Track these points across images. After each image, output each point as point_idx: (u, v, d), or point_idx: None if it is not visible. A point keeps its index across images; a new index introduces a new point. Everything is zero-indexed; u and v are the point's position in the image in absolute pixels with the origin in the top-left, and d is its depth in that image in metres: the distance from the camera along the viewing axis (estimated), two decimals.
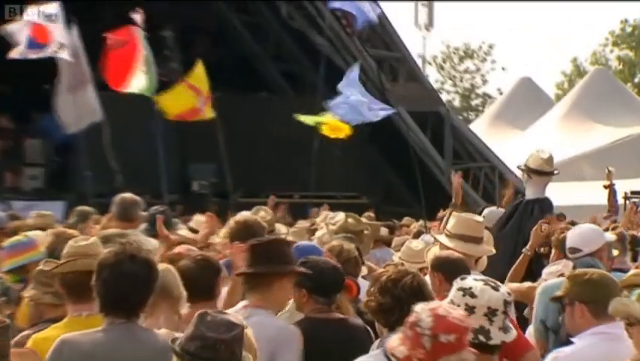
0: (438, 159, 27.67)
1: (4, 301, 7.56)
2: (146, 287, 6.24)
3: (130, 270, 6.10)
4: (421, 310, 4.77)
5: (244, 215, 11.11)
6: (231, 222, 10.37)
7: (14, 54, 21.39)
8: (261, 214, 12.31)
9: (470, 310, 5.29)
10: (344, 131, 20.49)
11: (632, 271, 7.73)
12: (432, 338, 4.63)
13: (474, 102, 69.11)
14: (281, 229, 12.58)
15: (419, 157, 26.32)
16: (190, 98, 21.82)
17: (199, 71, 21.63)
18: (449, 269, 7.61)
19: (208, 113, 22.04)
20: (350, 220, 11.17)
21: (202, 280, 7.29)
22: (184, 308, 6.92)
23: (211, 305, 6.94)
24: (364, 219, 13.46)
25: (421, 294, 6.08)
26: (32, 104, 27.37)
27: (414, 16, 42.37)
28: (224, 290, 7.96)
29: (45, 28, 21.63)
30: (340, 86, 21.86)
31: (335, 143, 23.60)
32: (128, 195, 13.21)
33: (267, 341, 6.54)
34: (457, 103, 69.81)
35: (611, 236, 10.01)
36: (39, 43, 21.57)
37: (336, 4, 24.04)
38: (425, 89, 31.17)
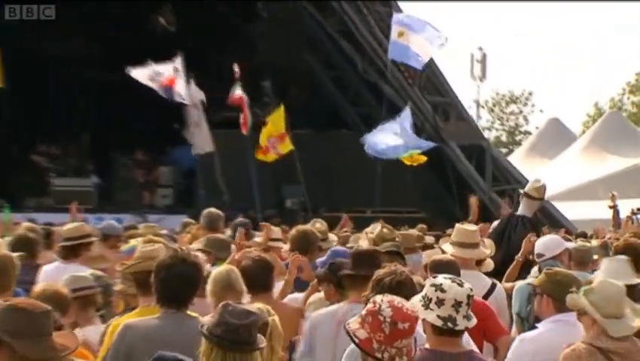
0: (480, 182, 28.54)
1: (104, 294, 8.17)
2: (194, 284, 6.91)
3: (181, 270, 6.79)
4: (380, 301, 5.23)
5: (303, 226, 11.93)
6: (293, 231, 11.33)
7: (148, 82, 23.70)
8: (317, 226, 12.99)
9: (440, 302, 5.72)
10: (418, 160, 21.80)
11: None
12: (391, 324, 5.08)
13: (518, 138, 71.72)
14: (333, 237, 12.92)
15: (466, 180, 28.40)
16: (264, 136, 23.61)
17: (279, 113, 23.40)
18: (440, 270, 8.01)
19: (283, 148, 23.52)
20: (385, 230, 11.70)
21: (259, 276, 7.99)
22: (246, 299, 7.50)
23: (267, 297, 7.79)
24: (417, 231, 14.95)
25: (399, 290, 6.40)
26: (163, 140, 29.15)
27: (470, 70, 44.32)
28: (279, 285, 8.82)
29: (172, 78, 23.63)
30: (385, 125, 23.70)
31: (398, 168, 24.83)
32: (214, 210, 14.17)
33: None
34: (504, 138, 73.36)
35: (571, 244, 11.09)
36: (168, 89, 23.63)
37: (396, 54, 24.94)
38: (470, 127, 31.89)
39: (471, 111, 51.08)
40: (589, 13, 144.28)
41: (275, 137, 23.20)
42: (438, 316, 5.60)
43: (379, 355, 5.04)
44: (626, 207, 18.82)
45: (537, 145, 47.89)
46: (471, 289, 5.88)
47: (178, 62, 23.79)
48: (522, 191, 14.55)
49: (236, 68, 23.64)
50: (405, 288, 6.42)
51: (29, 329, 5.09)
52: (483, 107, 65.73)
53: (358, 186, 26.75)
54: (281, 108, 23.23)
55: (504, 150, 56.61)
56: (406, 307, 5.23)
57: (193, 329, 5.68)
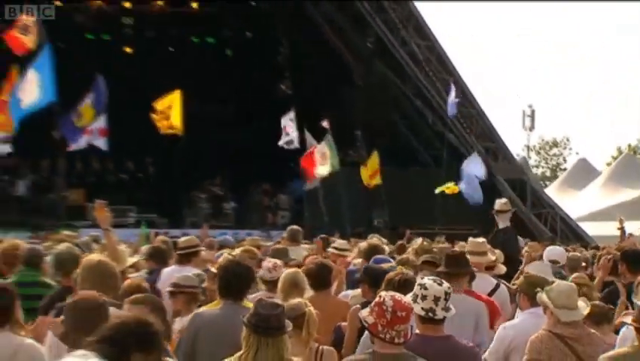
0: (522, 207, 29.10)
1: (201, 292, 8.39)
2: (246, 281, 7.21)
3: (235, 271, 7.19)
4: (384, 295, 5.48)
5: (370, 240, 12.66)
6: (364, 243, 11.93)
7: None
8: (374, 239, 13.48)
9: (424, 297, 5.96)
10: (454, 190, 22.72)
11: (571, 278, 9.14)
12: (392, 313, 5.31)
13: (559, 174, 73.41)
14: (386, 248, 12.50)
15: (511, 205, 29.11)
16: (365, 173, 24.69)
17: (374, 158, 24.58)
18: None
19: (376, 180, 24.78)
20: (424, 243, 12.05)
21: (319, 277, 8.07)
22: (308, 295, 7.68)
23: (326, 293, 8.03)
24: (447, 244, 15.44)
25: (404, 288, 6.62)
26: (283, 175, 30.16)
27: (522, 122, 49.04)
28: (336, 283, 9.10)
29: (288, 128, 24.74)
30: (464, 166, 24.49)
31: (458, 196, 25.09)
32: (295, 227, 14.87)
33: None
34: (548, 174, 76.23)
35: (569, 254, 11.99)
36: (286, 136, 24.44)
37: (453, 111, 25.96)
38: (515, 165, 32.88)
39: (523, 153, 56.34)
40: (590, 13, 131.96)
41: (372, 172, 24.59)
42: (422, 308, 5.94)
43: (382, 335, 5.34)
44: (634, 227, 20.51)
45: (569, 179, 48.66)
46: (449, 287, 6.15)
47: (292, 115, 25.17)
48: (493, 211, 14.61)
49: (325, 123, 24.36)
50: (410, 285, 6.58)
51: None
52: (532, 149, 69.71)
53: (427, 209, 27.08)
54: (376, 153, 24.73)
55: (548, 183, 59.11)
56: (403, 300, 5.56)
57: None
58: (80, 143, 22.82)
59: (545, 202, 31.60)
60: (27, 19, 19.29)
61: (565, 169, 73.42)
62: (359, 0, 29.45)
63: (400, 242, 15.00)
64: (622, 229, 17.34)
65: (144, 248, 12.01)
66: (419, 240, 13.00)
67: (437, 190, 24.56)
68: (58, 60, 23.11)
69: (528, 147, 61.04)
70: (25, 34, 18.65)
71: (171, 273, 9.41)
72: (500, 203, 14.70)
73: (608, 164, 64.51)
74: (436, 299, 5.96)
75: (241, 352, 5.25)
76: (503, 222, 14.24)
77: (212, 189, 32.07)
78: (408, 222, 24.81)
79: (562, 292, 6.67)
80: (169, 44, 35.16)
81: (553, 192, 40.97)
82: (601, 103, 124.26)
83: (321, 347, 6.39)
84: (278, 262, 9.43)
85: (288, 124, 25.18)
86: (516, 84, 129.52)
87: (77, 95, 22.60)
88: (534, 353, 6.62)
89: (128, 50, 34.31)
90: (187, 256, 10.43)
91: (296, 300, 6.61)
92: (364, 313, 5.46)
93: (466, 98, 29.90)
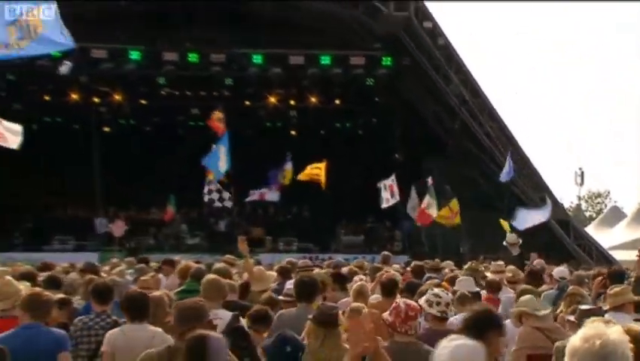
0: (566, 239, 29.03)
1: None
2: (314, 289, 6.94)
3: (307, 282, 7.03)
4: (399, 301, 5.38)
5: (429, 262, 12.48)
6: (434, 263, 11.79)
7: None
8: (447, 262, 13.19)
9: (438, 303, 5.88)
10: (505, 225, 20.43)
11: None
12: (405, 313, 5.20)
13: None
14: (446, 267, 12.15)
15: (559, 238, 28.58)
16: (447, 212, 23.22)
17: (455, 202, 23.27)
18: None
19: (457, 220, 23.61)
20: (473, 264, 11.62)
21: (387, 287, 7.55)
22: (373, 300, 7.43)
23: (390, 300, 6.86)
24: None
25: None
26: (397, 217, 28.84)
27: (574, 179, 53.65)
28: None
29: (392, 185, 23.49)
30: (529, 210, 23.38)
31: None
32: (386, 253, 14.57)
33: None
34: (594, 216, 73.59)
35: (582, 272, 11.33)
36: (392, 192, 23.36)
37: (507, 178, 23.74)
38: (562, 209, 32.23)
39: (576, 201, 62.46)
40: (589, 11, 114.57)
41: (454, 212, 23.41)
42: (438, 310, 5.87)
43: (399, 329, 5.17)
44: None
45: (604, 220, 47.19)
46: (451, 297, 6.21)
47: (393, 176, 24.06)
48: (506, 243, 14.38)
49: (430, 180, 23.39)
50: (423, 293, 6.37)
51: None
52: (581, 198, 72.06)
53: (498, 241, 23.78)
54: (456, 200, 23.61)
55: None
56: (413, 304, 5.37)
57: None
58: (271, 195, 24.31)
59: (583, 236, 30.93)
60: (219, 113, 19.61)
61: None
62: (449, 95, 28.79)
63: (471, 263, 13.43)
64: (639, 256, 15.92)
65: (276, 267, 11.53)
66: (470, 263, 12.54)
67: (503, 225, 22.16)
68: (251, 139, 24.98)
69: (579, 197, 66.09)
70: (219, 122, 19.29)
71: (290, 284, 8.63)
72: (510, 237, 14.95)
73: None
74: (446, 304, 6.05)
75: (311, 341, 5.33)
76: (514, 251, 14.44)
77: (347, 226, 32.26)
78: (484, 251, 24.11)
79: (525, 301, 6.65)
80: (321, 128, 35.45)
81: (592, 229, 39.81)
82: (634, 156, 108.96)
83: None
84: (362, 276, 9.64)
85: (392, 182, 24.10)
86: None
87: (259, 165, 24.96)
88: (521, 343, 6.44)
89: (293, 132, 35.09)
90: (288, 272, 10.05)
91: (356, 303, 6.75)
92: (386, 315, 5.35)
93: (524, 162, 28.99)
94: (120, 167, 30.75)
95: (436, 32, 28.43)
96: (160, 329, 5.84)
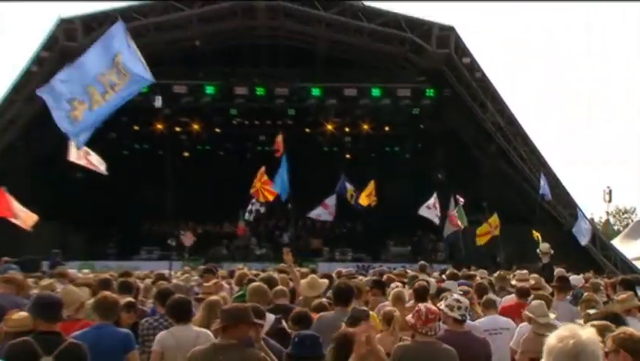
0: (593, 249, 27.86)
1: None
2: (350, 294, 6.70)
3: (343, 288, 6.79)
4: (421, 305, 5.24)
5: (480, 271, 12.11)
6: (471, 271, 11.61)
7: None
8: (480, 271, 12.99)
9: (459, 308, 5.65)
10: (537, 235, 19.45)
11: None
12: (425, 315, 5.07)
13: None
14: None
15: (586, 249, 26.50)
16: (486, 228, 22.54)
17: (494, 218, 22.31)
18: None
19: (497, 232, 22.33)
20: (501, 273, 11.29)
21: (420, 293, 7.35)
22: (409, 304, 7.12)
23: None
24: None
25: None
26: (439, 230, 26.05)
27: (603, 197, 52.81)
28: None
29: (453, 216, 22.25)
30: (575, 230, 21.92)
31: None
32: (423, 262, 13.98)
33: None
34: (621, 230, 71.36)
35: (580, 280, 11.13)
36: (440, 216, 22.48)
37: (546, 192, 22.88)
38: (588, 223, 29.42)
39: (605, 217, 62.05)
40: (539, 10, 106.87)
41: (493, 226, 22.64)
42: (458, 314, 5.64)
43: (420, 330, 5.02)
44: None
45: (629, 234, 42.50)
46: (467, 302, 5.91)
47: (435, 195, 23.04)
48: (539, 251, 13.93)
49: (460, 198, 22.64)
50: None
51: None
52: (609, 213, 69.29)
53: (528, 251, 21.90)
54: (496, 215, 22.67)
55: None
56: (433, 308, 5.26)
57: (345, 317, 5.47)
58: (325, 216, 23.80)
59: (608, 247, 30.29)
60: (280, 136, 19.31)
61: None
62: (486, 122, 28.39)
63: (500, 272, 12.98)
64: None
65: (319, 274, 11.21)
66: (524, 271, 11.82)
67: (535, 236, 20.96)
68: (310, 162, 25.04)
69: (607, 213, 64.77)
70: (281, 143, 18.96)
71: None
72: (543, 246, 14.31)
73: None
74: (464, 308, 5.84)
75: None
76: (545, 259, 14.07)
77: (396, 238, 31.85)
78: (519, 260, 22.68)
79: (538, 307, 6.37)
80: (372, 152, 35.10)
81: (618, 242, 37.48)
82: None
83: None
84: (399, 283, 9.43)
85: (434, 200, 23.18)
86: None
87: (318, 184, 24.78)
88: (524, 347, 6.24)
89: (348, 156, 34.99)
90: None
91: (390, 308, 6.57)
92: (409, 318, 5.24)
93: (555, 181, 27.96)
94: (197, 187, 30.85)
95: (474, 67, 28.05)
96: (204, 329, 5.72)
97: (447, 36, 27.24)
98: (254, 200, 20.79)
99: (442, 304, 5.87)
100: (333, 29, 27.41)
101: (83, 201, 28.39)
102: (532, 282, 9.41)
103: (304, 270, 13.27)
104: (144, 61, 7.78)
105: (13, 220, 13.91)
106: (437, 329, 5.27)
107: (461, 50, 27.68)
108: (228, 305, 5.26)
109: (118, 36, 7.93)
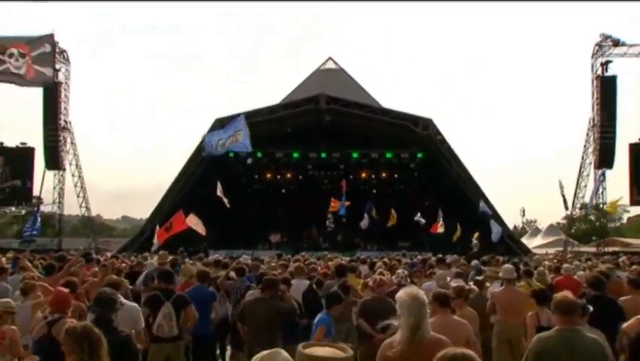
0: (510, 243, 31.44)
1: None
2: (343, 270, 7.34)
3: (345, 266, 7.25)
4: (377, 277, 5.32)
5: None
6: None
7: None
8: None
9: (397, 276, 5.68)
10: None
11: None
12: (378, 282, 5.46)
13: None
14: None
15: (506, 242, 30.98)
16: (459, 233, 23.86)
17: (477, 234, 23.60)
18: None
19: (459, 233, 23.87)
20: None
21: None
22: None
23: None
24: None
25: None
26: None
27: (520, 213, 51.92)
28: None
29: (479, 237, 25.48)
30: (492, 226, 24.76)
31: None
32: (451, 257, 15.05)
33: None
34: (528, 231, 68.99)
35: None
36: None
37: (486, 212, 25.34)
38: (506, 226, 35.06)
39: (520, 224, 58.60)
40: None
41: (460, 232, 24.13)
42: (396, 280, 5.82)
43: (375, 291, 5.16)
44: None
45: (530, 235, 50.40)
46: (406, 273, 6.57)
47: (441, 214, 26.90)
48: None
49: (441, 213, 25.45)
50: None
51: None
52: (523, 223, 71.51)
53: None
54: (478, 232, 23.61)
55: None
56: (384, 279, 5.72)
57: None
58: (363, 224, 30.42)
59: (519, 241, 34.57)
60: (343, 183, 22.38)
61: None
62: (452, 172, 33.60)
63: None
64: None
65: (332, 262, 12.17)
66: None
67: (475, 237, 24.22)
68: (355, 194, 32.28)
69: (522, 222, 67.23)
70: (343, 187, 21.35)
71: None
72: (475, 242, 15.23)
73: None
74: (403, 278, 6.50)
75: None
76: (476, 248, 14.47)
77: (400, 240, 36.93)
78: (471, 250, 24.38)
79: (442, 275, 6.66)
80: (388, 188, 41.12)
81: (525, 239, 43.23)
82: None
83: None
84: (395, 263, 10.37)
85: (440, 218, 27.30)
86: None
87: (360, 206, 31.66)
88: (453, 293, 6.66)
89: (374, 191, 40.79)
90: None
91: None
92: (370, 282, 5.67)
93: (489, 204, 31.88)
94: (290, 210, 40.64)
95: (444, 142, 35.87)
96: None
97: (428, 123, 35.94)
98: (329, 215, 29.37)
99: (394, 276, 7.44)
100: (364, 120, 35.92)
101: (224, 219, 33.22)
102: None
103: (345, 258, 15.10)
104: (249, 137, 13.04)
105: (193, 227, 16.55)
106: (384, 291, 6.45)
107: (437, 131, 36.11)
108: (267, 276, 6.89)
109: (242, 122, 13.59)
